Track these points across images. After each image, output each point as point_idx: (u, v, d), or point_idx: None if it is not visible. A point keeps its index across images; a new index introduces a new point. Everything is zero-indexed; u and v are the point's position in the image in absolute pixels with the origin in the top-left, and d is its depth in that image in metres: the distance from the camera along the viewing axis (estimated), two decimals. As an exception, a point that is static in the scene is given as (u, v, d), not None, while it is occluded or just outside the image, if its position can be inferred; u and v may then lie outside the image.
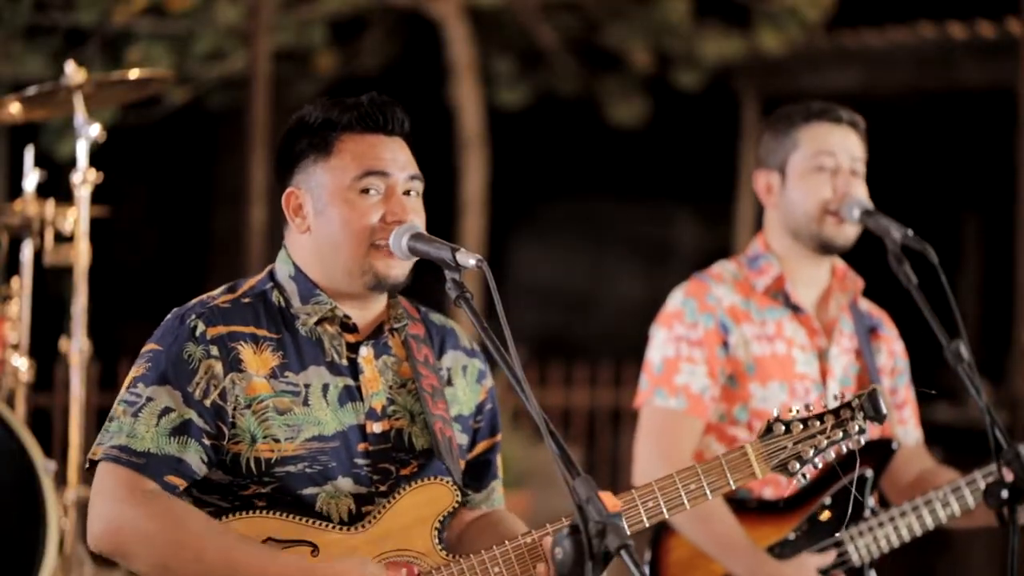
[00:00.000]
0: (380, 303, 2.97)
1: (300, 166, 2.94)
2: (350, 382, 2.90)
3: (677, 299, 3.76)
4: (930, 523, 3.60)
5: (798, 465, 2.95)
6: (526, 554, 2.81)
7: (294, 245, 2.96)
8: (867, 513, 3.59)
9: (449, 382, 3.03)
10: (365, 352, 2.92)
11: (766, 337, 3.72)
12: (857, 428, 2.98)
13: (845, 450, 2.99)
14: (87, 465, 2.81)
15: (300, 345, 2.88)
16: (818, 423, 2.98)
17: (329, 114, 2.92)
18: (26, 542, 4.40)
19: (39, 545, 4.39)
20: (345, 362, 2.91)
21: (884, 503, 3.71)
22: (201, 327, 2.83)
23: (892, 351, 3.89)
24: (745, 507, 3.65)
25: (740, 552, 3.58)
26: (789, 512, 3.62)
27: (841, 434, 2.97)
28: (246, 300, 2.90)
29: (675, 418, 3.68)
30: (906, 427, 3.87)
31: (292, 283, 2.93)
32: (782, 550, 3.58)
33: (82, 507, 5.04)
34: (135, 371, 2.85)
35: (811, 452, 2.96)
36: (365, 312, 2.94)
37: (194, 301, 2.91)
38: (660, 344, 3.75)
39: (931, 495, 3.60)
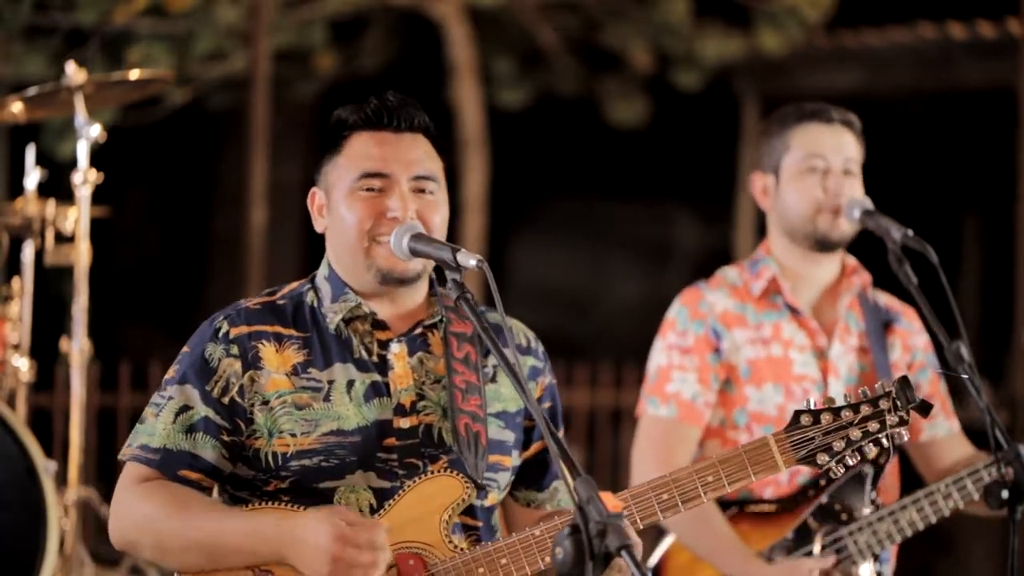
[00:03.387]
0: (413, 298, 2.99)
1: (320, 166, 3.01)
2: (378, 378, 2.92)
3: (673, 308, 3.79)
4: (932, 516, 3.58)
5: (827, 458, 2.86)
6: (534, 546, 2.82)
7: (327, 245, 3.03)
8: (867, 510, 3.59)
9: (493, 379, 3.02)
10: (396, 348, 2.95)
11: (761, 340, 3.72)
12: (897, 419, 2.88)
13: (887, 444, 2.87)
14: (121, 463, 2.91)
15: (327, 343, 2.93)
16: (851, 413, 2.88)
17: (343, 114, 2.98)
18: (26, 542, 4.40)
19: (39, 545, 4.40)
20: (375, 359, 2.93)
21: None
22: (225, 327, 2.92)
23: (909, 345, 3.84)
24: (745, 508, 3.65)
25: (731, 555, 3.57)
26: (789, 512, 3.62)
27: (878, 425, 2.87)
28: (280, 302, 2.98)
29: (668, 426, 3.69)
30: (934, 421, 3.83)
31: (326, 283, 2.99)
32: (781, 551, 3.58)
33: (82, 507, 5.05)
34: (167, 374, 2.95)
35: (842, 444, 2.86)
36: (396, 307, 2.97)
37: (232, 304, 3.00)
38: (656, 353, 3.78)
39: (932, 487, 3.58)
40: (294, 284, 3.06)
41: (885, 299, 3.89)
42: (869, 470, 3.58)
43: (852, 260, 3.84)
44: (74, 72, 4.87)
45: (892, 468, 3.74)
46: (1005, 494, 3.38)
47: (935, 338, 3.50)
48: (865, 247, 3.88)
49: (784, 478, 3.66)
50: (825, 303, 3.81)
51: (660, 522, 2.89)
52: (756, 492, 3.67)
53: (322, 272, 3.01)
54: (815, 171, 3.72)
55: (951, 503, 3.58)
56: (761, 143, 3.82)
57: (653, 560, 3.75)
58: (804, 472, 3.65)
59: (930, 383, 3.85)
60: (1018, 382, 7.48)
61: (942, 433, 3.85)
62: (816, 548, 3.55)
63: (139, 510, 2.82)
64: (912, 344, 3.86)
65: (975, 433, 3.78)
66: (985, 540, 6.97)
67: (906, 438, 2.90)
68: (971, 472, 3.58)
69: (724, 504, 3.65)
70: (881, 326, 3.81)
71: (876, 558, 3.58)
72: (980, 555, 7.00)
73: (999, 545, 3.67)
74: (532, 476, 3.07)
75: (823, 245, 3.74)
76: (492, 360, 3.03)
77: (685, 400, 3.68)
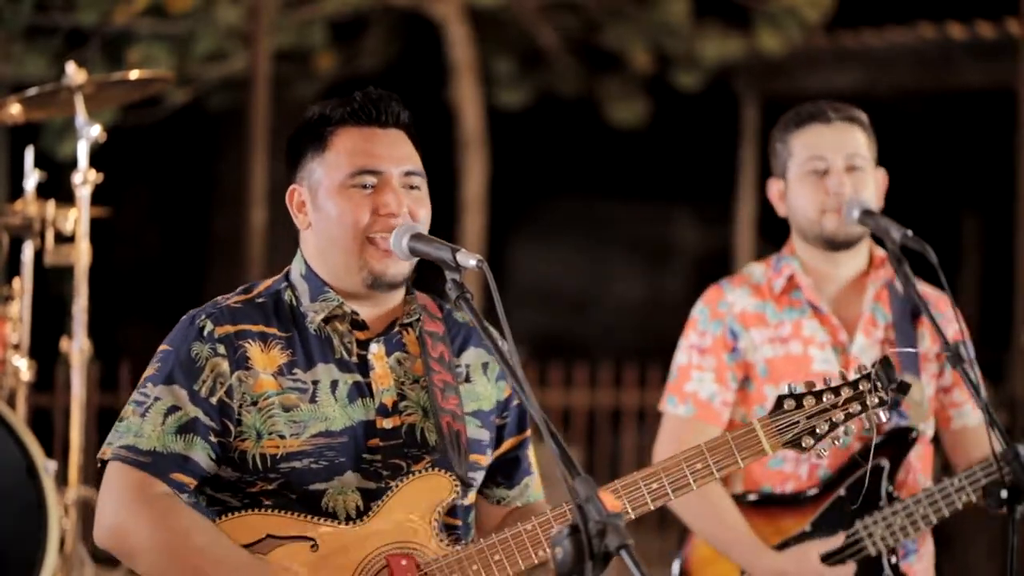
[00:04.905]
0: (393, 300, 2.97)
1: (301, 163, 2.96)
2: (360, 378, 2.90)
3: (697, 307, 3.81)
4: (946, 510, 3.58)
5: (812, 440, 2.91)
6: (526, 541, 2.82)
7: (304, 243, 2.99)
8: (882, 503, 3.59)
9: (467, 379, 3.02)
10: (376, 349, 2.93)
11: (780, 339, 3.74)
12: (877, 400, 2.93)
13: (867, 424, 2.93)
14: (98, 464, 2.85)
15: (309, 343, 2.90)
16: (832, 396, 2.93)
17: (325, 109, 2.94)
18: (27, 542, 4.40)
19: (40, 545, 4.40)
20: (355, 359, 2.91)
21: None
22: (209, 326, 2.86)
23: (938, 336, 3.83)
24: (765, 502, 3.67)
25: (739, 543, 3.61)
26: (808, 505, 3.64)
27: (859, 407, 2.93)
28: (260, 300, 2.94)
29: (685, 425, 3.73)
30: (960, 409, 3.81)
31: (304, 282, 2.95)
32: (799, 543, 3.60)
33: (82, 507, 5.05)
34: (147, 372, 2.89)
35: (826, 427, 2.91)
36: (376, 308, 2.95)
37: (209, 302, 2.95)
38: (679, 352, 3.81)
39: (945, 482, 3.59)
40: (268, 281, 3.01)
41: (920, 288, 3.84)
42: (886, 463, 3.59)
43: (881, 252, 3.83)
44: (74, 72, 4.87)
45: (926, 454, 3.75)
46: (1004, 494, 3.39)
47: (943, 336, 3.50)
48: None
49: (804, 473, 3.67)
50: (851, 297, 3.80)
51: (681, 519, 2.89)
52: (777, 487, 3.68)
53: (297, 269, 2.97)
54: (816, 173, 3.73)
55: (964, 497, 3.59)
56: (771, 149, 3.85)
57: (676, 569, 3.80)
58: (823, 466, 3.67)
59: (954, 372, 3.82)
60: (1018, 382, 7.48)
61: (972, 422, 3.80)
62: (836, 541, 3.57)
63: (148, 531, 2.76)
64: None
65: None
66: (985, 539, 6.98)
67: (884, 419, 2.95)
68: (984, 466, 3.58)
69: (746, 497, 3.68)
70: (909, 317, 3.79)
71: (892, 551, 3.59)
72: (980, 554, 7.00)
73: (999, 544, 3.67)
74: (503, 473, 3.07)
75: (833, 245, 3.75)
76: (464, 360, 3.03)
77: (702, 400, 3.72)
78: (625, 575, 2.31)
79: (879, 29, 9.57)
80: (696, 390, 3.73)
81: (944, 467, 3.80)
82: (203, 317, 2.88)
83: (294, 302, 2.94)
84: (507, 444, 3.07)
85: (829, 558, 3.57)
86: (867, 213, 3.68)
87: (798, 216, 3.77)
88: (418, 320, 2.97)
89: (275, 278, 3.01)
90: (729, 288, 3.80)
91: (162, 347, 2.89)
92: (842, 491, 3.61)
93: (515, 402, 3.07)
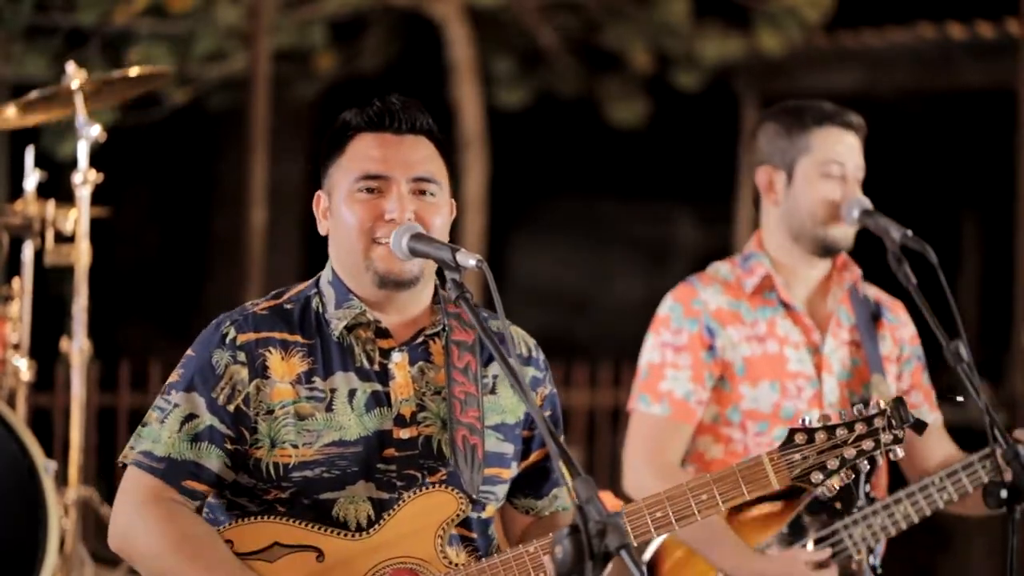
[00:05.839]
0: (416, 307, 2.96)
1: (324, 169, 2.98)
2: (379, 387, 2.89)
3: (666, 304, 3.77)
4: (926, 509, 3.57)
5: (821, 476, 2.90)
6: (528, 563, 2.81)
7: (329, 248, 2.99)
8: (860, 502, 3.59)
9: (492, 390, 3.00)
10: (398, 358, 2.92)
11: (756, 337, 3.72)
12: (892, 437, 2.91)
13: (881, 461, 2.90)
14: (121, 465, 2.88)
15: (330, 351, 2.90)
16: (845, 431, 2.91)
17: (346, 116, 2.96)
18: (26, 542, 4.40)
19: (39, 545, 4.40)
20: (376, 368, 2.91)
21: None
22: (232, 333, 2.88)
23: (897, 338, 3.84)
24: (739, 504, 3.66)
25: (725, 547, 3.58)
26: (785, 506, 3.63)
27: (872, 444, 2.91)
28: (288, 306, 2.94)
29: (659, 424, 3.69)
30: (919, 410, 3.82)
31: (330, 288, 2.95)
32: (777, 544, 3.59)
33: (82, 507, 5.05)
34: (171, 377, 2.92)
35: (837, 463, 2.89)
36: (399, 316, 2.94)
37: (238, 308, 2.96)
38: (648, 350, 3.77)
39: (926, 480, 3.58)
40: (301, 286, 3.02)
41: (874, 292, 3.89)
42: (865, 465, 3.59)
43: (842, 254, 3.84)
44: (74, 72, 4.87)
45: (882, 464, 3.75)
46: (1004, 493, 3.38)
47: (934, 337, 3.50)
48: (865, 247, 3.88)
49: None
50: (817, 298, 3.81)
51: (660, 534, 2.89)
52: None
53: (326, 276, 2.97)
54: (832, 177, 3.71)
55: (945, 495, 3.58)
56: (773, 137, 3.77)
57: (647, 555, 3.74)
58: None
59: (913, 374, 3.85)
60: (1017, 382, 7.48)
61: (929, 422, 3.76)
62: (810, 542, 3.56)
63: (152, 535, 2.80)
64: (899, 337, 3.86)
65: (975, 433, 3.78)
66: (985, 539, 6.98)
67: (900, 455, 2.93)
68: (965, 465, 3.58)
69: None
70: (871, 319, 3.81)
71: (871, 551, 3.58)
72: (980, 554, 7.00)
73: (999, 544, 3.67)
74: (532, 484, 3.07)
75: (828, 250, 3.74)
76: (492, 371, 3.01)
77: (678, 398, 3.69)
78: (625, 575, 2.31)
79: (879, 29, 9.57)
80: (671, 389, 3.69)
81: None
82: (227, 324, 2.90)
83: (320, 309, 2.94)
84: (535, 455, 3.05)
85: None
86: (867, 212, 3.68)
87: (800, 214, 3.74)
88: (444, 330, 2.96)
89: (307, 283, 3.01)
90: (700, 286, 3.76)
91: (188, 353, 2.92)
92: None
93: (545, 413, 3.05)
